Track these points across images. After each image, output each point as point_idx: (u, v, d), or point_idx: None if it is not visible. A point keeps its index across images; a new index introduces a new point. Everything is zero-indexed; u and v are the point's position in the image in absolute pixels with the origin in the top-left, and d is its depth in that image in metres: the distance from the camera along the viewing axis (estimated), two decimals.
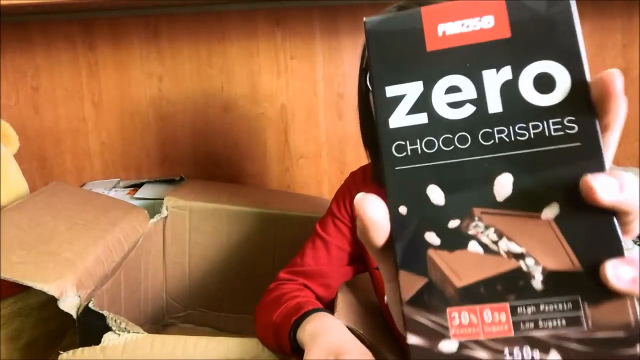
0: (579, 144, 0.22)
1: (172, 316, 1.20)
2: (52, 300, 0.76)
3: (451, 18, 0.25)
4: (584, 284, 0.22)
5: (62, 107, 1.42)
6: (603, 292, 0.22)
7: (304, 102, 1.41)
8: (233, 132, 1.43)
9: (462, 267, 0.23)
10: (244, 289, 1.17)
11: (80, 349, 0.71)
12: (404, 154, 0.24)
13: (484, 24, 0.24)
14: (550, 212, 0.22)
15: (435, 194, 0.24)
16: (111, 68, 1.40)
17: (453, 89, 0.24)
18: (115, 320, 0.72)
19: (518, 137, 0.23)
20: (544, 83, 0.23)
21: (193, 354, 0.70)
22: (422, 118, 0.24)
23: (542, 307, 0.22)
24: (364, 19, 0.27)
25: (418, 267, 0.23)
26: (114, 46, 1.39)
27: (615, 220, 0.22)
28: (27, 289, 0.96)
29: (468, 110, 0.24)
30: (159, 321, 1.18)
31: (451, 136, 0.24)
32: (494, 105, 0.24)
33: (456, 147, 0.24)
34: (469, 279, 0.23)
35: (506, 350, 0.22)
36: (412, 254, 0.24)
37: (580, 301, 0.22)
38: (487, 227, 0.23)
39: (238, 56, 1.38)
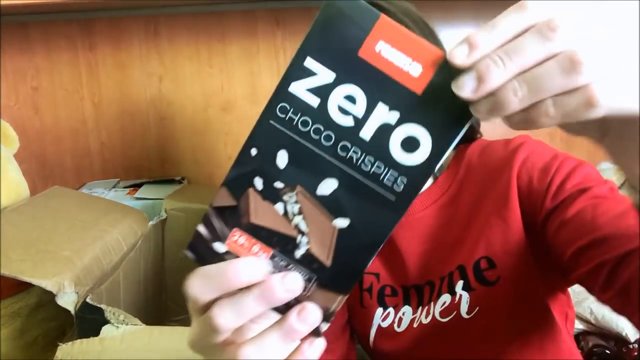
0: (393, 198, 0.28)
1: (172, 319, 1.20)
2: (52, 301, 0.77)
3: (394, 44, 0.26)
4: (322, 273, 0.30)
5: (62, 107, 1.42)
6: (329, 286, 0.30)
7: None
8: (233, 132, 1.42)
9: (262, 211, 0.30)
10: None
11: (79, 340, 0.71)
12: (283, 116, 0.29)
13: (411, 70, 0.27)
14: (340, 222, 0.29)
15: (281, 159, 0.29)
16: (111, 68, 1.40)
17: (350, 99, 0.28)
18: (114, 313, 0.72)
19: (362, 165, 0.28)
20: (411, 144, 0.27)
21: None
22: (315, 101, 0.28)
23: (290, 266, 0.30)
24: None
25: (235, 192, 0.30)
26: (114, 46, 1.39)
27: (371, 256, 0.29)
28: (27, 289, 0.96)
29: (348, 121, 0.28)
30: (159, 324, 1.18)
31: (322, 130, 0.28)
32: (367, 132, 0.28)
33: (320, 139, 0.28)
34: (260, 221, 0.30)
35: None
36: (239, 183, 0.30)
37: (314, 279, 0.30)
38: (296, 202, 0.29)
39: (238, 56, 1.38)
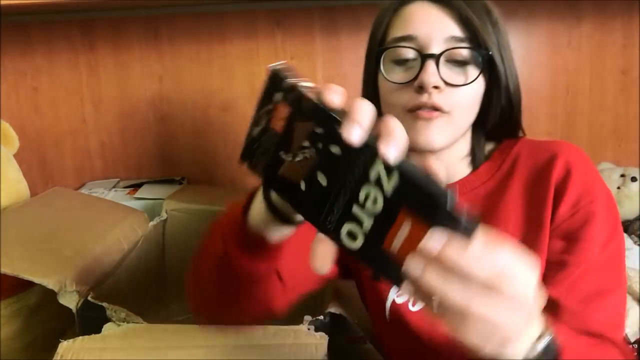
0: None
1: (172, 320, 1.20)
2: (52, 301, 0.77)
3: None
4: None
5: (62, 107, 1.42)
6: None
7: None
8: (233, 132, 1.42)
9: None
10: None
11: (80, 337, 0.71)
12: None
13: None
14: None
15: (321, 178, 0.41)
16: (111, 68, 1.40)
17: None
18: (115, 311, 0.72)
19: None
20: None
21: (192, 341, 0.71)
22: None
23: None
24: None
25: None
26: (114, 46, 1.39)
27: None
28: (27, 289, 0.96)
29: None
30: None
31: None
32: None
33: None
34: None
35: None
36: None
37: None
38: None
39: (238, 56, 1.38)
